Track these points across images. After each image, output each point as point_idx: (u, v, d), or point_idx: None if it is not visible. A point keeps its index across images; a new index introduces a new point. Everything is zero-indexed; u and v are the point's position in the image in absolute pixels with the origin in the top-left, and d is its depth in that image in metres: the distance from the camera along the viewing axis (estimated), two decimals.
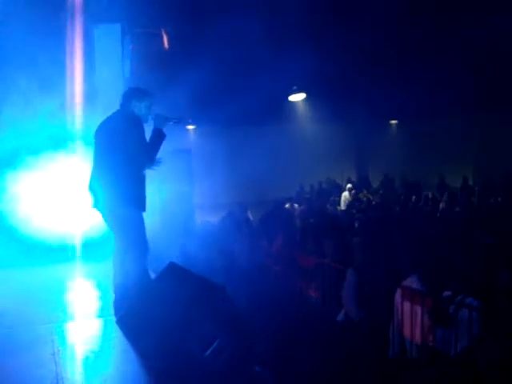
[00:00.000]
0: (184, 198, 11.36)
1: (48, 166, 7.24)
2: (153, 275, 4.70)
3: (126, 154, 4.48)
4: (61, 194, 7.31)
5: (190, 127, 18.72)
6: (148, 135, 4.69)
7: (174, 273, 4.11)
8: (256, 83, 11.67)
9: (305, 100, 16.29)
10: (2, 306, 5.36)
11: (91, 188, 4.74)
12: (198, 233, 10.87)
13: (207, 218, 12.93)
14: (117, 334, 4.31)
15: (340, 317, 7.08)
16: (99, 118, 4.88)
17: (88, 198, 4.80)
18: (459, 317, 5.51)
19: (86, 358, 4.07)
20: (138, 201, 4.62)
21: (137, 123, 4.59)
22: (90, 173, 4.80)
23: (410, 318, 5.85)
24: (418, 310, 5.81)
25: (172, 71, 9.88)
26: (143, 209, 4.68)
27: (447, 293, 5.84)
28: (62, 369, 3.86)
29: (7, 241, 7.20)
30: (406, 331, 5.94)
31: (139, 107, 4.71)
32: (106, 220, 4.77)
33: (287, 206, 14.79)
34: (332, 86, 14.57)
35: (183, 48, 9.80)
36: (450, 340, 5.61)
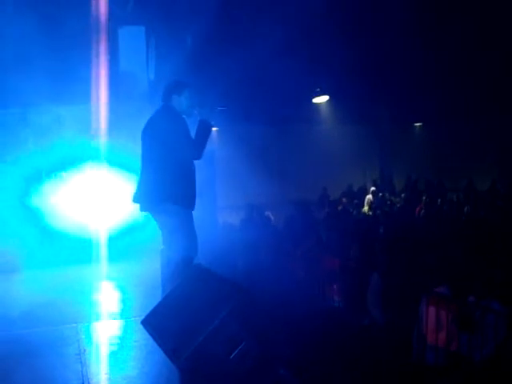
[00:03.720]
0: (206, 200, 11.37)
1: (77, 174, 7.45)
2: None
3: (170, 151, 4.43)
4: (89, 200, 7.54)
5: (214, 128, 18.79)
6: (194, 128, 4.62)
7: (200, 274, 4.10)
8: (280, 85, 11.66)
9: (328, 102, 16.24)
10: (29, 306, 5.42)
11: (139, 189, 4.68)
12: (220, 234, 10.88)
13: (229, 220, 12.95)
14: (142, 334, 4.33)
15: (365, 321, 7.04)
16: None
17: (133, 200, 4.73)
18: (485, 322, 5.45)
19: (111, 359, 4.10)
20: (185, 199, 4.55)
21: (177, 119, 4.53)
22: (140, 173, 4.74)
23: (435, 323, 5.79)
24: (443, 314, 5.75)
25: (197, 73, 9.90)
26: (192, 207, 4.61)
27: (471, 298, 5.78)
28: (87, 369, 3.89)
29: (38, 242, 7.39)
30: (431, 336, 5.88)
31: (179, 101, 4.64)
32: (155, 219, 4.72)
33: (311, 208, 14.70)
34: (356, 88, 14.50)
35: (208, 50, 9.83)
36: (475, 345, 5.55)
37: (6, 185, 7.54)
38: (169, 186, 4.45)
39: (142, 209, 4.69)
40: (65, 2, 8.15)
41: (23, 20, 7.81)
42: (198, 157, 4.55)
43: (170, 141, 4.44)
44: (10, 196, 7.57)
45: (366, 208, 16.03)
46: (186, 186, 4.54)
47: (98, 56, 7.80)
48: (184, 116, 4.64)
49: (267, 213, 13.76)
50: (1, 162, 7.51)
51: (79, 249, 7.41)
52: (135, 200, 4.69)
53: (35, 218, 7.60)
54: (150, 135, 4.62)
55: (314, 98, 15.22)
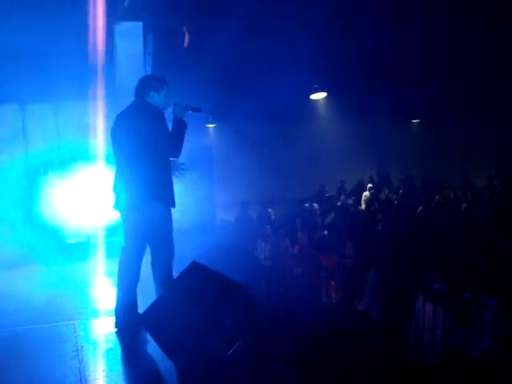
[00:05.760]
0: (204, 196, 11.38)
1: (76, 172, 7.46)
2: (175, 274, 4.71)
3: (151, 149, 4.30)
4: (87, 198, 7.53)
5: (211, 125, 18.75)
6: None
7: (197, 272, 4.10)
8: (277, 82, 11.65)
9: (326, 99, 16.23)
10: (26, 303, 5.43)
11: (115, 188, 4.55)
12: (217, 230, 10.89)
13: (227, 216, 12.96)
14: (139, 332, 4.33)
15: (362, 318, 7.06)
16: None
17: (111, 199, 4.61)
18: (482, 319, 5.47)
19: (109, 356, 4.10)
20: (171, 197, 4.48)
21: (159, 115, 4.39)
22: (115, 172, 4.58)
23: (432, 320, 5.80)
24: (441, 311, 5.76)
25: (194, 69, 9.89)
26: (172, 204, 4.53)
27: (467, 294, 5.79)
28: (84, 366, 3.89)
29: (36, 239, 7.41)
30: (428, 332, 5.90)
31: (157, 98, 4.49)
32: (127, 220, 4.53)
33: (306, 205, 14.73)
34: (353, 84, 14.50)
35: (205, 46, 9.81)
36: (472, 341, 5.57)
37: (5, 182, 7.54)
38: (147, 183, 4.34)
39: (124, 213, 4.52)
40: None
41: (19, 15, 7.80)
42: (178, 154, 4.49)
43: (152, 139, 4.30)
44: (8, 193, 7.57)
45: (362, 205, 16.04)
46: (165, 184, 4.45)
47: (95, 52, 7.77)
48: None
49: (269, 210, 13.79)
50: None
51: (77, 245, 7.41)
52: (117, 207, 4.54)
53: (33, 215, 7.61)
54: (128, 132, 4.42)
55: (311, 94, 15.21)
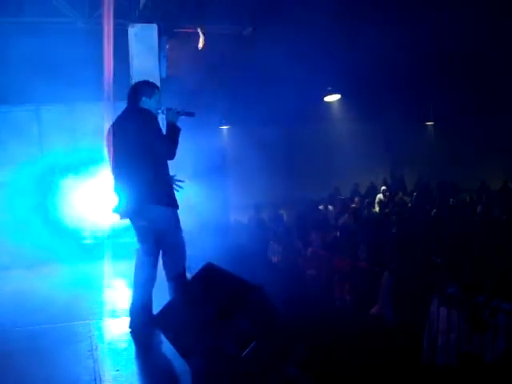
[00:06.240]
0: (218, 198, 11.39)
1: (93, 173, 7.52)
2: (189, 275, 4.72)
3: (147, 152, 4.30)
4: (103, 199, 7.58)
5: (224, 127, 18.80)
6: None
7: (212, 273, 4.11)
8: (291, 84, 11.66)
9: (340, 101, 16.21)
10: (41, 302, 5.47)
11: (115, 192, 4.56)
12: (231, 232, 10.91)
13: (240, 218, 12.98)
14: (153, 332, 4.35)
15: (375, 321, 7.04)
16: None
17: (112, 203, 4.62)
18: (496, 322, 5.44)
19: (123, 355, 4.12)
20: (166, 198, 4.44)
21: (152, 119, 4.41)
22: (113, 177, 4.57)
23: (447, 324, 5.77)
24: (455, 315, 5.74)
25: (208, 71, 9.92)
26: (175, 206, 4.51)
27: (481, 297, 5.76)
28: (99, 365, 3.92)
29: (50, 239, 7.47)
30: (442, 336, 5.87)
31: (149, 103, 4.50)
32: (134, 224, 4.57)
33: (321, 207, 14.70)
34: (367, 86, 14.47)
35: (220, 48, 9.83)
36: (486, 345, 5.54)
37: (23, 183, 7.62)
38: (150, 186, 4.35)
39: (126, 215, 4.56)
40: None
41: (33, 16, 7.90)
42: (172, 157, 4.46)
43: (148, 142, 4.30)
44: (26, 194, 7.64)
45: (376, 208, 15.98)
46: (166, 186, 4.45)
47: (109, 54, 7.82)
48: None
49: (281, 211, 13.78)
50: (14, 160, 7.57)
51: (94, 246, 7.47)
52: (117, 210, 4.55)
53: (48, 215, 7.67)
54: (126, 137, 4.41)
55: (325, 96, 15.20)
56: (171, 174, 4.59)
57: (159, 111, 4.58)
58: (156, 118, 4.48)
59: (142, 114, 4.45)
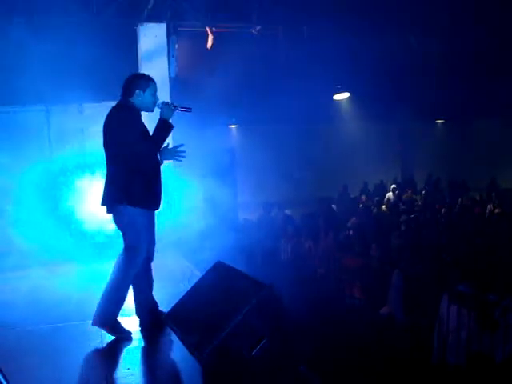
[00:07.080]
0: (227, 196, 11.41)
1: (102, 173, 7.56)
2: (199, 273, 4.73)
3: (123, 152, 4.14)
4: None
5: (233, 126, 18.83)
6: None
7: (222, 271, 4.12)
8: (300, 82, 11.64)
9: (349, 99, 16.17)
10: (52, 302, 5.50)
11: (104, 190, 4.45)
12: (240, 230, 10.90)
13: (249, 216, 12.98)
14: (164, 330, 4.36)
15: (385, 319, 7.03)
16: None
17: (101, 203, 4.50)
18: (506, 321, 5.41)
19: (133, 353, 4.14)
20: (144, 199, 4.27)
21: (134, 119, 4.27)
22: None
23: (457, 322, 5.75)
24: (465, 313, 5.72)
25: (217, 70, 9.93)
26: (153, 207, 4.39)
27: (492, 296, 5.74)
28: (109, 363, 3.94)
29: (60, 238, 7.50)
30: (452, 335, 5.85)
31: (143, 97, 4.31)
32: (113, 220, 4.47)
33: (334, 206, 14.65)
34: (376, 85, 14.41)
35: (228, 47, 9.84)
36: (496, 344, 5.51)
37: (35, 183, 7.65)
38: (124, 184, 4.21)
39: (107, 211, 4.45)
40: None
41: (45, 17, 7.92)
42: (154, 153, 4.30)
43: (124, 142, 4.15)
44: (40, 194, 7.69)
45: (385, 206, 15.93)
46: (143, 185, 4.25)
47: (119, 53, 7.84)
48: (145, 112, 4.41)
49: (291, 210, 13.77)
50: (25, 160, 7.61)
51: (105, 244, 7.49)
52: (102, 202, 4.44)
53: (58, 215, 7.70)
54: (107, 132, 4.32)
55: (334, 94, 15.17)
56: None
57: (156, 105, 4.38)
58: (138, 117, 4.34)
59: (123, 111, 4.29)
